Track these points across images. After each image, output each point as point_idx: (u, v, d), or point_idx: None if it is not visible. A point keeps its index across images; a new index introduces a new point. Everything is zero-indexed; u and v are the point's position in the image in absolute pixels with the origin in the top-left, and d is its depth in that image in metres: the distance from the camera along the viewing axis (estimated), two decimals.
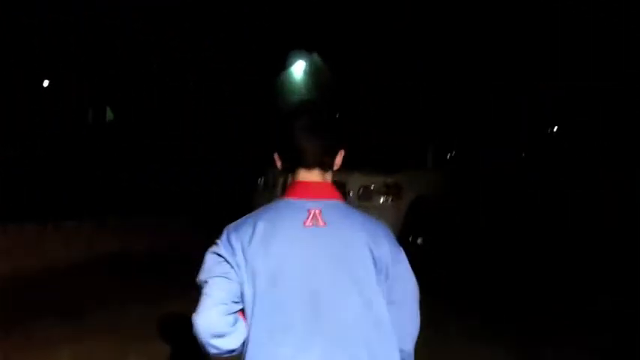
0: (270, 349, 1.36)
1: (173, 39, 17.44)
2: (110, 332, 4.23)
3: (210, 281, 1.41)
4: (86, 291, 5.28)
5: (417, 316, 1.54)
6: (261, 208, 1.48)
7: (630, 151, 11.73)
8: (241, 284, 1.40)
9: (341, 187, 6.17)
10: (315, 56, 21.12)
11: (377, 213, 6.72)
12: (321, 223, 1.39)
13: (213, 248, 1.45)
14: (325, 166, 1.48)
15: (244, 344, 1.41)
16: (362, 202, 6.25)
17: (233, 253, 1.40)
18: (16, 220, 6.36)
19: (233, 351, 1.44)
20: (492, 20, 16.69)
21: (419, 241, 6.83)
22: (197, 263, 1.47)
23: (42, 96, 15.66)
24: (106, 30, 16.73)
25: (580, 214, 8.08)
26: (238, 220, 1.48)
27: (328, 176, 1.50)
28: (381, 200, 6.39)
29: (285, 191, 1.49)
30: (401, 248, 1.51)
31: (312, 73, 21.28)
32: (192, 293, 1.52)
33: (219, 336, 1.39)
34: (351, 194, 6.26)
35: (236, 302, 1.41)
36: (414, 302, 1.52)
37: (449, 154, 8.27)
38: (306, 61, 21.08)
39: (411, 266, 1.52)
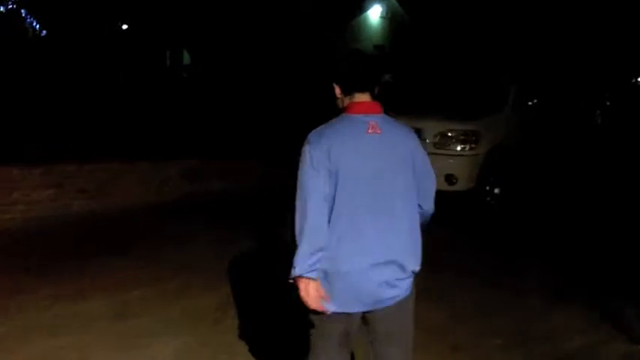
0: (350, 226, 1.85)
1: None
2: (182, 273, 4.15)
3: (307, 181, 1.86)
4: (159, 231, 5.23)
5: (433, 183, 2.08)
6: (332, 121, 1.95)
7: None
8: (329, 178, 1.84)
9: (417, 133, 5.74)
10: (393, 0, 20.82)
11: (453, 160, 6.13)
12: (378, 130, 1.90)
13: (306, 150, 1.87)
14: (372, 90, 1.99)
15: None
16: (438, 148, 5.89)
17: (322, 155, 1.84)
18: (91, 160, 6.30)
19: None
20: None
21: (496, 190, 6.51)
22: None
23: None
24: None
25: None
26: (318, 129, 1.92)
27: (373, 98, 2.00)
28: (459, 148, 6.05)
29: (345, 109, 1.97)
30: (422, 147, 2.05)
31: (388, 17, 20.84)
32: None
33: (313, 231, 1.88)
34: (427, 141, 5.84)
35: (326, 198, 1.85)
36: (431, 174, 2.06)
37: (530, 102, 7.70)
38: (382, 6, 20.77)
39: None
